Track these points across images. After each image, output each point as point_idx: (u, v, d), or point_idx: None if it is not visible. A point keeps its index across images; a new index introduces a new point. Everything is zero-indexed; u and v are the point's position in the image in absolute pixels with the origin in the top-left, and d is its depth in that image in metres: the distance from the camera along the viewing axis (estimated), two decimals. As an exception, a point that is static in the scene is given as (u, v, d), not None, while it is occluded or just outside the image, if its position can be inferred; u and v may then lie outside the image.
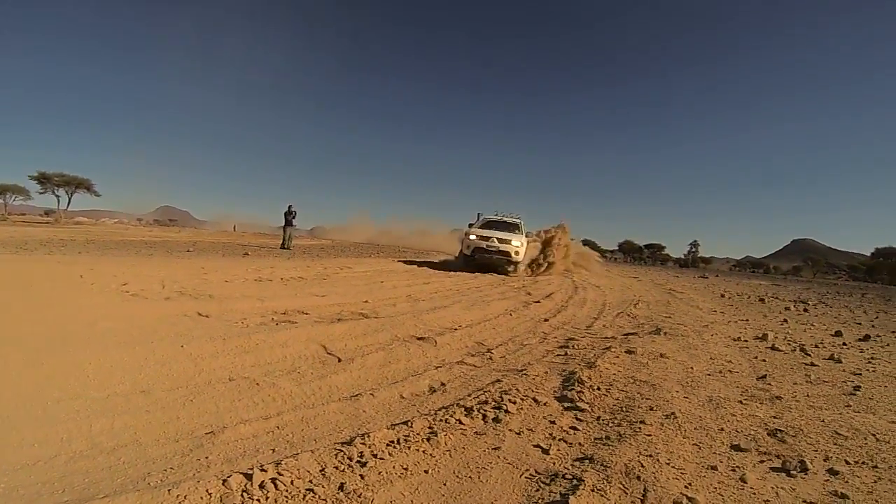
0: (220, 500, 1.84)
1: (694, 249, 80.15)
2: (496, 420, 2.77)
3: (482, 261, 14.50)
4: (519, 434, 2.62)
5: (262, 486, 1.94)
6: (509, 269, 14.45)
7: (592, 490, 2.01)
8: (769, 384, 3.85)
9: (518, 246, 14.30)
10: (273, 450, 2.37)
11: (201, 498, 1.83)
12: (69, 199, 45.18)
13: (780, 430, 2.83)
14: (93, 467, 2.12)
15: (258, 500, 1.86)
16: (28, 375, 2.91)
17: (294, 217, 20.11)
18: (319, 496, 1.92)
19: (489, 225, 16.09)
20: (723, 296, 12.97)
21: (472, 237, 14.70)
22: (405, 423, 2.68)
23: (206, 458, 2.25)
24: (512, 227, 15.78)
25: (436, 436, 2.50)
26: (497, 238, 14.47)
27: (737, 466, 2.37)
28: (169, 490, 1.84)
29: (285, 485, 1.97)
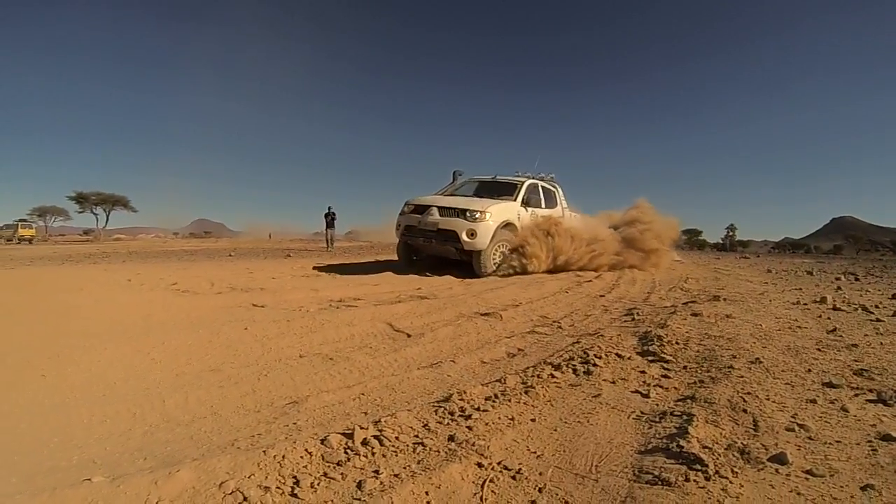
0: (322, 458, 1.81)
1: (731, 233, 78.84)
2: (587, 373, 2.83)
3: (421, 248, 9.53)
4: (613, 383, 2.68)
5: (365, 443, 1.91)
6: (464, 259, 8.78)
7: (706, 422, 2.06)
8: (841, 336, 3.84)
9: (476, 221, 8.33)
10: (365, 413, 2.37)
11: (301, 457, 1.81)
12: (107, 217, 46.54)
13: (865, 370, 2.85)
14: (172, 438, 2.11)
15: (364, 455, 1.83)
16: (88, 360, 2.97)
17: (334, 219, 20.36)
18: (430, 448, 1.90)
19: (464, 191, 10.73)
20: (769, 271, 12.69)
21: (405, 211, 9.39)
22: (498, 380, 2.73)
23: (295, 423, 2.24)
24: (501, 192, 9.91)
25: (533, 389, 2.54)
26: (439, 208, 8.79)
27: (834, 399, 2.40)
28: (264, 451, 1.81)
29: (390, 440, 1.95)
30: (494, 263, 8.71)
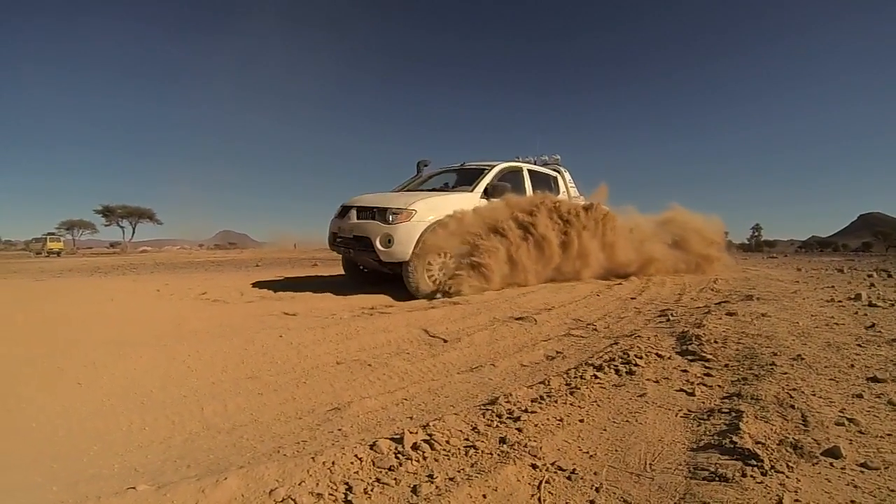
0: (373, 464, 1.79)
1: (756, 233, 77.73)
2: (630, 373, 2.86)
3: (350, 258, 7.75)
4: (657, 382, 2.71)
5: (415, 447, 1.90)
6: (397, 272, 6.59)
7: (756, 418, 2.09)
8: (880, 332, 3.82)
9: (394, 223, 6.33)
10: (410, 418, 2.37)
11: (351, 463, 1.79)
12: (133, 230, 47.52)
13: (910, 364, 2.85)
14: (214, 445, 2.11)
15: (415, 460, 1.82)
16: (123, 368, 3.01)
17: None
18: (483, 451, 1.89)
19: (432, 184, 8.48)
20: (799, 269, 12.51)
21: (335, 215, 7.48)
22: (541, 382, 2.76)
23: (339, 429, 2.22)
24: (469, 181, 7.69)
25: (578, 390, 2.58)
26: (357, 210, 6.92)
27: (880, 394, 2.42)
28: (313, 458, 1.79)
29: (441, 444, 1.94)
30: (432, 279, 6.50)
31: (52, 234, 47.26)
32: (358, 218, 6.83)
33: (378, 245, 6.32)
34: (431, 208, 6.64)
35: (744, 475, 1.64)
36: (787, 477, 1.63)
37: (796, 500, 1.50)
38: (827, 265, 15.21)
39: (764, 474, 1.64)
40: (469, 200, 7.17)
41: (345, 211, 7.12)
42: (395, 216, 6.38)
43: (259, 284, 7.73)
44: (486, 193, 7.42)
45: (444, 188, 8.16)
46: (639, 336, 3.78)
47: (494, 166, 7.92)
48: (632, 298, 6.04)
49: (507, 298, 5.63)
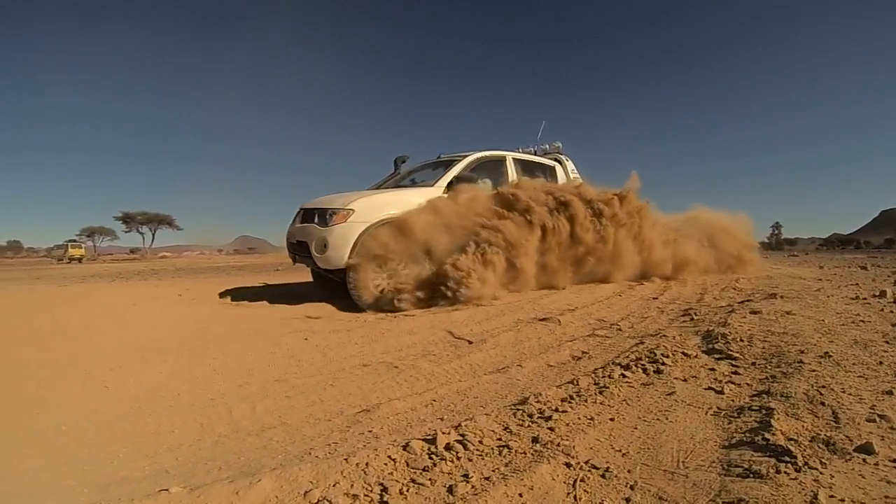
0: (407, 464, 1.81)
1: (776, 231, 76.75)
2: (658, 372, 2.88)
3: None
4: (685, 381, 2.73)
5: (448, 448, 1.91)
6: (337, 278, 5.92)
7: (786, 415, 2.11)
8: (908, 328, 3.80)
9: (329, 226, 5.71)
10: (441, 419, 2.37)
11: (385, 463, 1.80)
12: (153, 236, 48.30)
13: (940, 361, 2.84)
14: (244, 447, 2.12)
15: (449, 460, 1.83)
16: (149, 372, 3.07)
17: None
18: (516, 450, 1.91)
19: (407, 179, 7.58)
20: (821, 267, 12.35)
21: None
22: (570, 382, 2.79)
23: (370, 431, 2.24)
24: (436, 174, 6.92)
25: (606, 389, 2.61)
26: (304, 212, 6.40)
27: (912, 390, 2.42)
28: (346, 459, 1.80)
29: (473, 444, 1.95)
30: (378, 288, 5.74)
31: (74, 240, 48.23)
32: (302, 221, 6.28)
33: (314, 250, 5.76)
34: (374, 207, 5.90)
35: (778, 471, 1.67)
36: (820, 473, 1.66)
37: (831, 496, 1.53)
38: (850, 262, 14.99)
39: (798, 470, 1.67)
40: (428, 196, 6.28)
41: (296, 215, 6.59)
42: (331, 218, 5.76)
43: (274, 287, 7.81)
44: (453, 187, 6.52)
45: (413, 183, 7.31)
46: (664, 335, 3.79)
47: (467, 156, 7.04)
48: (654, 298, 6.03)
49: (530, 300, 5.66)
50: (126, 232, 51.84)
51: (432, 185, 6.53)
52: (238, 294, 7.25)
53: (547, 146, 9.20)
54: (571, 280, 6.88)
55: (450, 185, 6.53)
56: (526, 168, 7.75)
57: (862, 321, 4.13)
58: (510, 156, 7.63)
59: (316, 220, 5.96)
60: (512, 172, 7.48)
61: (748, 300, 5.50)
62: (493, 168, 7.36)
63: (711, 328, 3.86)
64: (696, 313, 4.72)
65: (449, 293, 5.50)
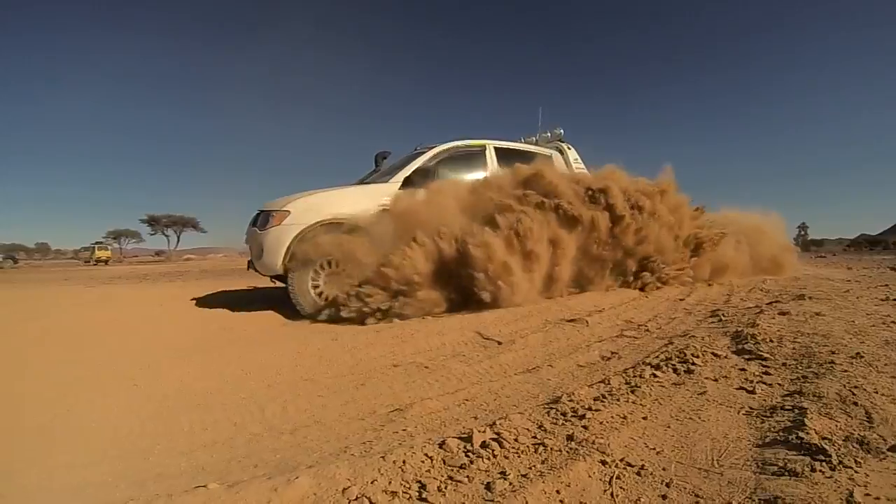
0: (444, 462, 1.82)
1: (803, 232, 75.20)
2: (688, 372, 2.91)
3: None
4: (716, 381, 2.76)
5: (484, 446, 1.93)
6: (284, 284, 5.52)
7: (820, 414, 2.14)
8: (941, 329, 3.77)
9: (266, 229, 5.39)
10: (475, 417, 2.42)
11: (422, 461, 1.81)
12: (178, 238, 49.06)
13: (974, 361, 2.83)
14: (279, 446, 2.16)
15: (486, 458, 1.85)
16: (178, 371, 3.15)
17: None
18: (552, 448, 1.94)
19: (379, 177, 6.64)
20: (849, 269, 12.13)
21: None
22: (601, 381, 2.85)
23: (404, 430, 2.27)
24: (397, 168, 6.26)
25: (638, 388, 2.64)
26: (255, 216, 5.93)
27: (946, 391, 2.42)
28: (382, 457, 1.81)
29: (509, 442, 1.98)
30: (320, 294, 5.40)
31: (100, 243, 49.23)
32: (252, 225, 5.87)
33: (253, 255, 5.49)
34: (311, 208, 5.46)
35: (813, 470, 1.70)
36: (855, 472, 1.69)
37: (867, 495, 1.56)
38: (878, 263, 14.68)
39: (833, 469, 1.70)
40: (381, 194, 5.72)
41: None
42: (268, 220, 5.41)
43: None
44: (411, 182, 5.91)
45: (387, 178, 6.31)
46: (693, 336, 3.81)
47: (433, 147, 6.35)
48: (680, 300, 6.00)
49: (557, 301, 5.69)
50: (151, 234, 52.83)
51: (387, 182, 5.94)
52: (262, 296, 7.34)
53: (548, 133, 8.17)
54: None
55: (407, 181, 5.91)
56: (512, 159, 6.63)
57: (893, 322, 4.09)
58: (491, 145, 6.75)
59: (258, 222, 5.62)
60: (493, 164, 6.60)
61: (776, 301, 5.46)
62: (467, 160, 6.58)
63: (740, 329, 3.86)
64: (723, 314, 4.71)
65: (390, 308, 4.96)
